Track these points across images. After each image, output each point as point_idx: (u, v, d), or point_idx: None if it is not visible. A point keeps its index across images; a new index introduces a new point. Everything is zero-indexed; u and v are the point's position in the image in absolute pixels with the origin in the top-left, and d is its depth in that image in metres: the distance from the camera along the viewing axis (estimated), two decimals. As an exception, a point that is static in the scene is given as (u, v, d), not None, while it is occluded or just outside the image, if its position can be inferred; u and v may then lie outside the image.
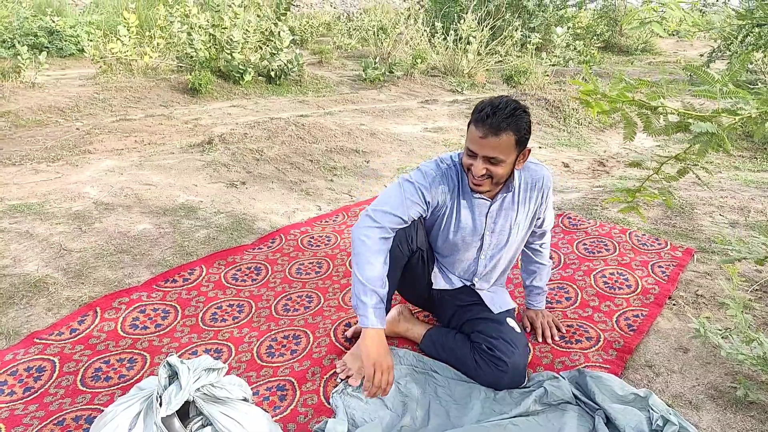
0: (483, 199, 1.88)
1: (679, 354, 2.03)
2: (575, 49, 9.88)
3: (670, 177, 1.62)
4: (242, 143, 4.28)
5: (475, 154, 1.70)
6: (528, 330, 2.15)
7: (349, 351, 2.03)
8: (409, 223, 1.86)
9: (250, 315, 2.36)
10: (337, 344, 2.15)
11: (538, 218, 2.00)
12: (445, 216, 1.91)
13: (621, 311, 2.23)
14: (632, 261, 2.57)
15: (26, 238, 2.82)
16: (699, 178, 1.70)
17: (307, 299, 2.44)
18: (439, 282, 2.07)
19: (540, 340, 2.10)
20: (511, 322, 1.96)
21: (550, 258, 2.18)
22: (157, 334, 2.20)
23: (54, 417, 1.79)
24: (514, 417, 1.72)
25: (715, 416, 1.75)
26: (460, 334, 2.02)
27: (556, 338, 2.09)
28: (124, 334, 2.18)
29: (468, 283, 2.07)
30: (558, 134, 5.54)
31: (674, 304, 2.30)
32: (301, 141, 4.46)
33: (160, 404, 1.40)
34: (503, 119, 1.63)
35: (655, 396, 1.71)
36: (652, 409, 1.66)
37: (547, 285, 2.16)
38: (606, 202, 1.98)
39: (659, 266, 2.52)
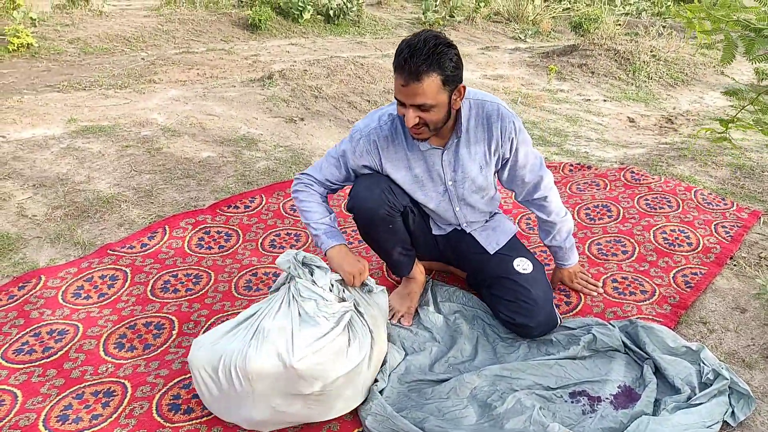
0: (434, 148, 1.76)
1: (736, 313, 1.99)
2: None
3: (766, 108, 1.54)
4: (301, 80, 4.30)
5: (403, 103, 1.57)
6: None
7: (394, 291, 2.06)
8: (329, 184, 1.86)
9: (307, 244, 2.44)
10: (389, 279, 2.21)
11: (505, 159, 1.81)
12: (401, 170, 1.81)
13: (679, 268, 2.19)
14: (695, 219, 2.49)
15: (99, 157, 2.97)
16: None
17: (354, 232, 2.50)
18: (435, 229, 2.03)
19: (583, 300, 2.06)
20: (518, 264, 1.87)
21: (564, 212, 1.94)
22: (221, 254, 2.32)
23: (126, 321, 1.94)
24: (561, 359, 1.75)
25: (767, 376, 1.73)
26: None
27: (600, 291, 2.06)
28: (191, 252, 2.31)
29: (458, 227, 2.00)
30: (625, 88, 5.30)
31: (735, 265, 2.24)
32: (359, 80, 4.44)
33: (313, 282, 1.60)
34: (423, 61, 1.48)
35: (707, 350, 1.70)
36: (703, 363, 1.66)
37: (569, 240, 1.97)
38: (697, 134, 1.89)
39: (723, 226, 2.44)
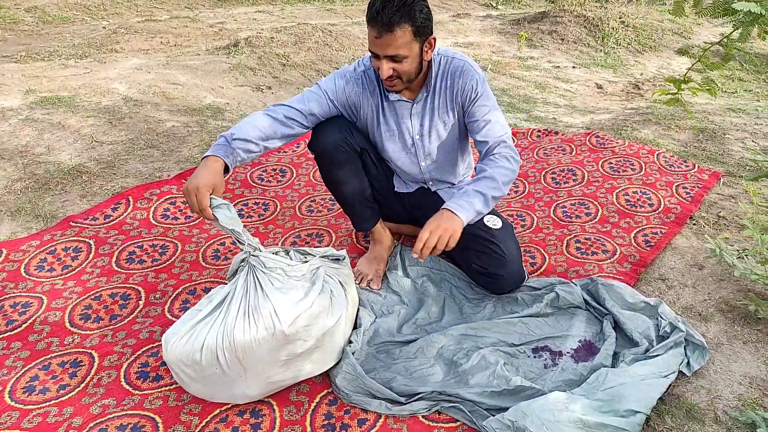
0: (404, 100, 1.81)
1: (694, 270, 2.06)
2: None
3: (713, 65, 1.57)
4: (269, 47, 4.21)
5: (377, 55, 1.62)
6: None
7: (362, 257, 2.09)
8: (307, 115, 1.77)
9: (275, 213, 2.43)
10: (358, 245, 2.22)
11: (473, 119, 1.78)
12: (373, 120, 1.87)
13: (640, 228, 2.25)
14: (657, 181, 2.55)
15: (59, 128, 2.89)
16: (741, 64, 1.63)
17: (331, 201, 2.50)
18: (399, 186, 2.05)
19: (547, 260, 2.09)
20: (489, 220, 1.88)
21: (502, 179, 1.68)
22: (188, 224, 2.29)
23: (91, 293, 1.92)
24: (525, 317, 1.80)
25: (722, 328, 1.80)
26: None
27: (418, 254, 1.56)
28: (156, 223, 2.28)
29: (424, 186, 2.03)
30: (594, 54, 5.33)
31: (694, 224, 2.30)
32: (328, 48, 4.38)
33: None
34: (394, 12, 1.53)
35: (665, 305, 1.76)
36: (660, 317, 1.72)
37: (480, 196, 1.63)
38: (654, 92, 1.90)
39: (684, 187, 2.51)
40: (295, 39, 4.39)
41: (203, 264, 2.08)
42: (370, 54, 1.68)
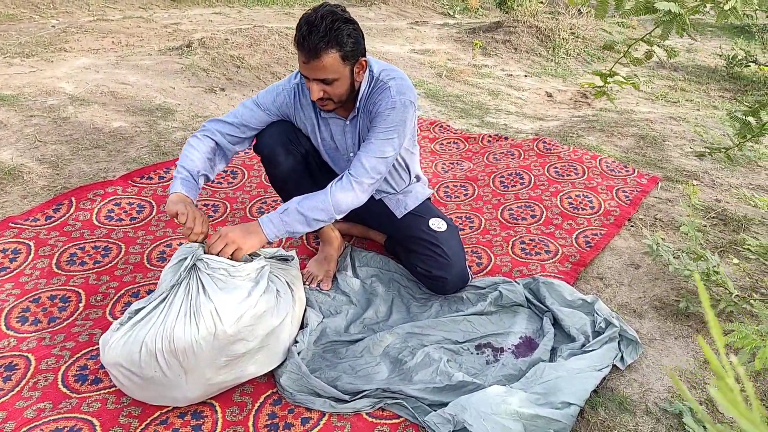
0: (337, 117, 1.83)
1: (630, 269, 2.15)
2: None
3: (636, 60, 1.65)
4: (223, 49, 4.17)
5: (307, 77, 1.62)
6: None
7: (312, 258, 2.10)
8: (240, 126, 1.82)
9: (225, 215, 2.41)
10: (308, 247, 2.23)
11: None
12: (310, 130, 1.90)
13: (581, 230, 2.33)
14: (599, 185, 2.65)
15: (0, 127, 2.79)
16: (666, 53, 1.72)
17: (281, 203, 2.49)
18: None
19: (493, 260, 2.17)
20: (433, 223, 1.93)
21: (337, 204, 1.67)
22: (132, 226, 2.25)
23: (30, 295, 1.86)
24: (469, 315, 1.84)
25: (655, 324, 1.88)
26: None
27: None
28: (99, 224, 2.22)
29: None
30: (545, 64, 5.49)
31: (632, 226, 2.41)
32: (283, 50, 4.37)
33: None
34: (320, 39, 1.51)
35: (601, 302, 1.84)
36: (596, 313, 1.79)
37: (297, 216, 1.64)
38: (582, 84, 1.98)
39: (623, 191, 2.61)
40: (250, 41, 4.37)
41: (148, 266, 2.05)
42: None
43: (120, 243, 2.14)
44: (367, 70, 1.75)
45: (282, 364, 1.62)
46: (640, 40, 1.56)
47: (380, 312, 1.92)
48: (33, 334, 1.72)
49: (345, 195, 1.68)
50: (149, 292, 1.90)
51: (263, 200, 2.53)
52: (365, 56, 1.70)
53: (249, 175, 2.73)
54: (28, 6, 5.62)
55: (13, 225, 2.17)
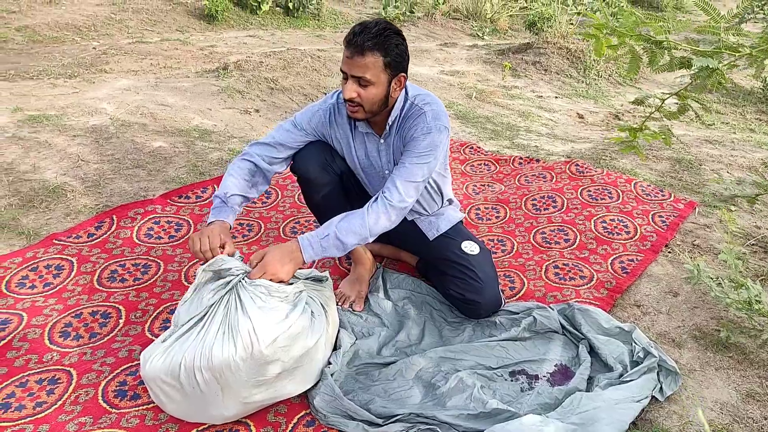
0: (373, 134, 1.86)
1: (669, 297, 2.11)
2: (604, 0, 9.56)
3: (670, 114, 1.64)
4: (257, 71, 4.27)
5: (346, 75, 1.68)
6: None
7: (344, 279, 2.11)
8: (278, 147, 1.88)
9: (259, 234, 2.45)
10: (340, 267, 2.25)
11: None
12: (346, 148, 1.93)
13: (616, 255, 2.30)
14: (634, 209, 2.61)
15: (45, 147, 2.90)
16: (696, 114, 1.71)
17: (315, 224, 2.52)
18: None
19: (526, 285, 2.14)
20: (466, 246, 1.95)
21: (370, 224, 1.69)
22: (171, 244, 2.30)
23: (72, 310, 1.92)
24: (503, 340, 1.82)
25: (695, 354, 1.84)
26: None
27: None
28: (139, 242, 2.28)
29: None
30: (576, 85, 5.47)
31: (670, 252, 2.36)
32: (316, 73, 4.45)
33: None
34: (369, 38, 1.60)
35: (639, 330, 1.80)
36: (634, 342, 1.75)
37: (334, 240, 1.67)
38: (608, 139, 1.98)
39: (660, 216, 2.57)
40: (283, 63, 4.46)
41: (185, 284, 2.09)
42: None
43: (159, 260, 2.19)
44: (403, 91, 1.78)
45: (315, 385, 1.63)
46: (673, 95, 1.55)
47: (412, 335, 1.91)
48: (75, 349, 1.77)
49: (379, 218, 1.71)
50: (186, 310, 1.93)
51: (296, 220, 2.57)
52: (406, 75, 1.74)
53: (283, 195, 2.77)
54: (70, 29, 5.84)
55: (56, 242, 2.24)
